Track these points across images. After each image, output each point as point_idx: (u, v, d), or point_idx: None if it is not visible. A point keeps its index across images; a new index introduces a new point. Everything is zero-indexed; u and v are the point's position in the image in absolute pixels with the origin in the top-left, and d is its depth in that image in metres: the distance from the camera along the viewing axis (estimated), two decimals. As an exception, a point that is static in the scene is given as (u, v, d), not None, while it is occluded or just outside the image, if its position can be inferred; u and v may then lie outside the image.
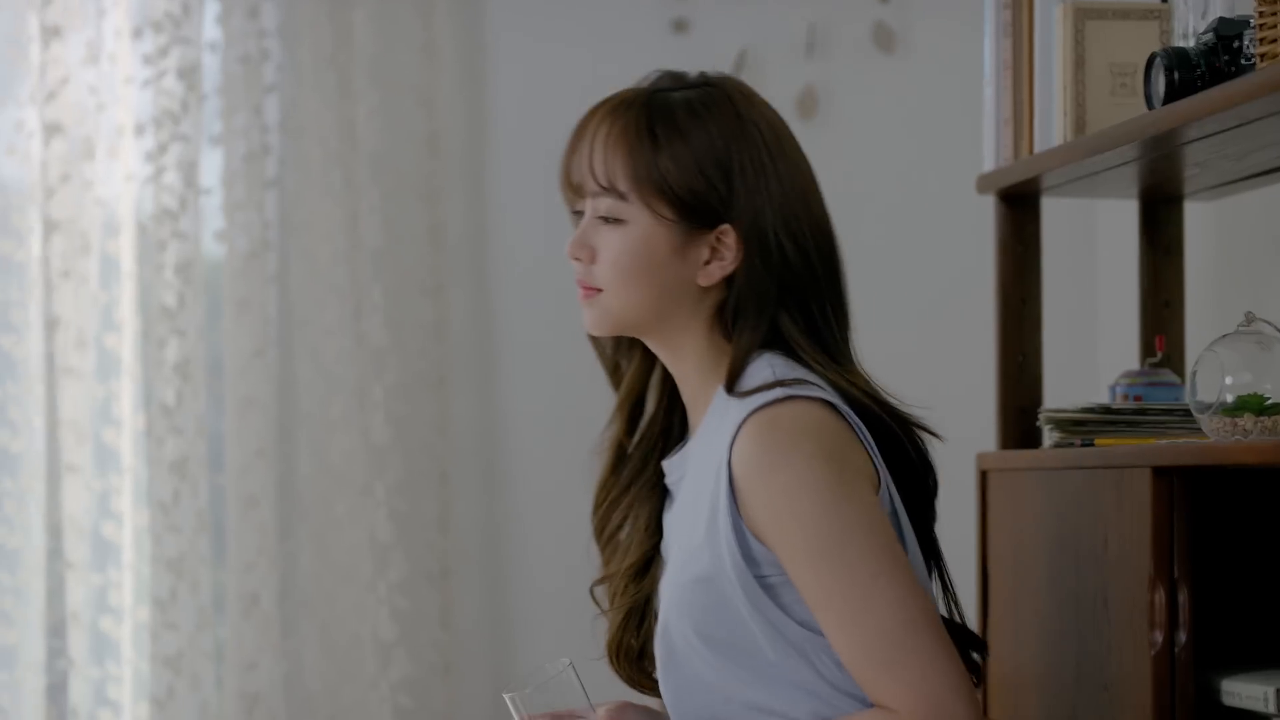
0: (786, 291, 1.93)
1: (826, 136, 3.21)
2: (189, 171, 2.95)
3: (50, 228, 2.93)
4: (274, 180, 3.01)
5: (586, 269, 1.96)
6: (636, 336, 2.00)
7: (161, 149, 2.95)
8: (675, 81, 1.99)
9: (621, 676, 2.07)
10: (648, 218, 1.93)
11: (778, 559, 1.86)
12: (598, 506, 2.09)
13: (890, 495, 1.91)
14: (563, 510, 2.95)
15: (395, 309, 2.99)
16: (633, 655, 2.07)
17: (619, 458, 2.06)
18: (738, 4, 3.23)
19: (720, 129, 1.94)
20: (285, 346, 2.99)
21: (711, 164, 1.93)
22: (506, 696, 1.87)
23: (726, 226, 1.92)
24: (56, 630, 2.95)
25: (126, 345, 2.95)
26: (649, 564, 2.06)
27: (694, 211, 1.93)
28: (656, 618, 2.01)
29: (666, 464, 2.04)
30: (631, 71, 3.16)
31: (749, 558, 1.86)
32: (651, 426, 2.07)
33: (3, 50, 2.97)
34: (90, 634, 2.91)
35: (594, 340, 2.06)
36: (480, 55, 3.22)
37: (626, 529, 2.07)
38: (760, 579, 1.87)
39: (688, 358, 1.98)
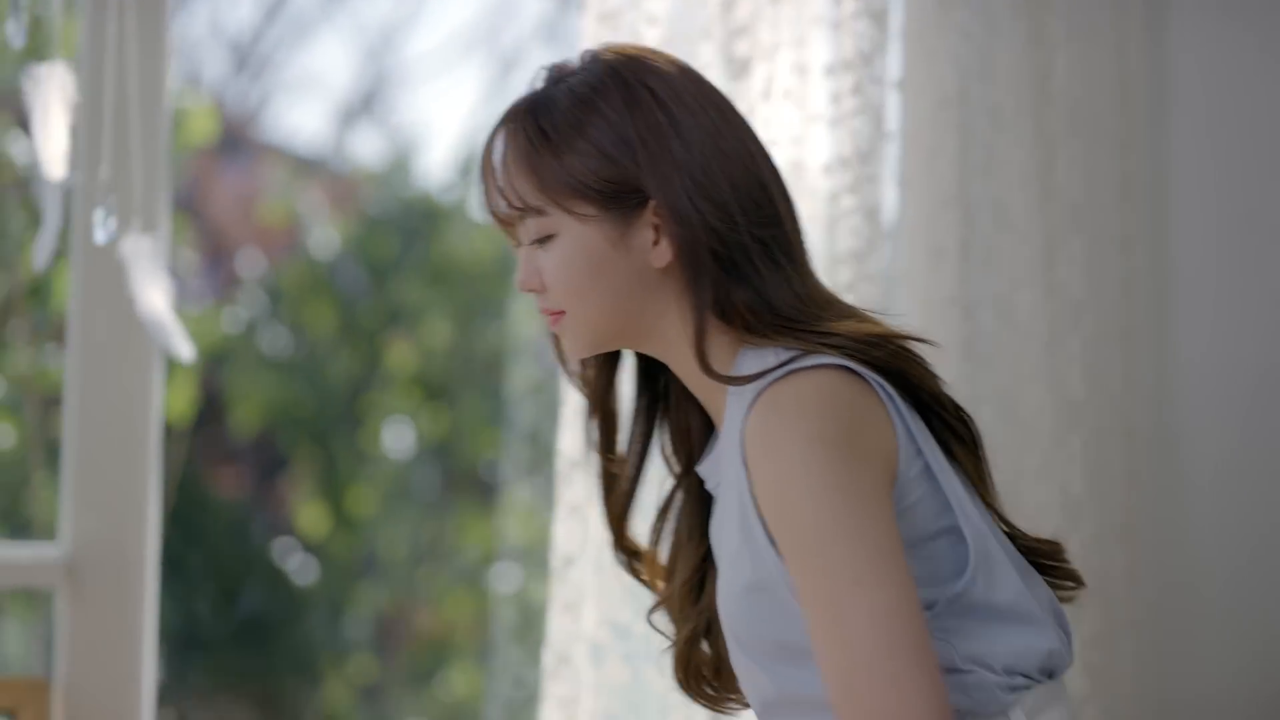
0: (719, 253, 1.83)
1: None
2: (876, 115, 2.88)
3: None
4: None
5: (544, 297, 1.88)
6: (625, 347, 1.91)
7: (856, 88, 2.88)
8: (556, 75, 1.89)
9: (702, 703, 2.01)
10: (572, 223, 1.85)
11: None
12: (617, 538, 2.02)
13: (918, 447, 1.80)
14: (1240, 474, 2.90)
15: (1091, 261, 2.93)
16: (708, 678, 2.00)
17: (609, 481, 2.00)
18: None
19: (611, 105, 1.85)
20: (976, 295, 2.93)
21: (613, 143, 1.84)
22: None
23: (652, 201, 1.83)
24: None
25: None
26: (704, 580, 1.99)
27: (614, 198, 1.84)
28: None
29: (701, 469, 1.95)
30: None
31: None
32: (682, 434, 1.99)
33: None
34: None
35: (566, 371, 1.99)
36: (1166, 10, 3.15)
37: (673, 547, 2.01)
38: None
39: (677, 347, 1.89)
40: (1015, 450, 2.88)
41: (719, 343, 1.88)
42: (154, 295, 2.80)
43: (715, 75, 2.84)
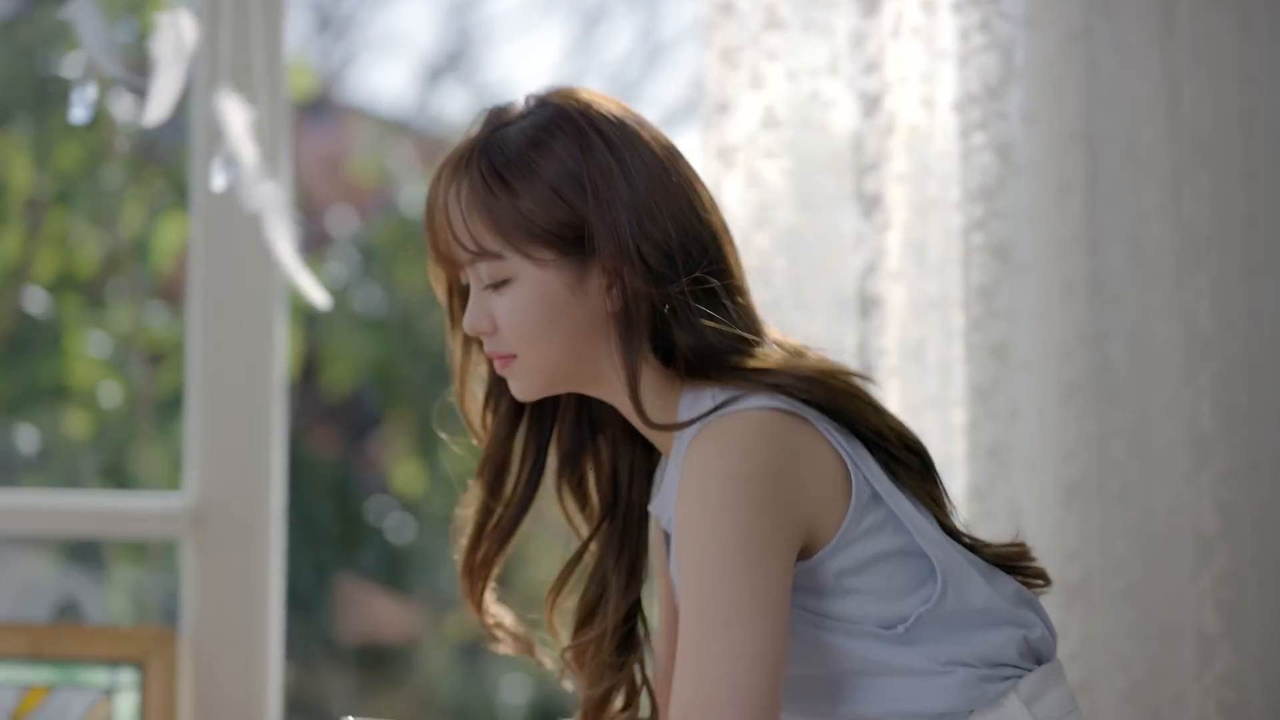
0: (660, 298, 1.85)
1: None
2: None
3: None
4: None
5: (494, 340, 1.88)
6: (573, 390, 1.92)
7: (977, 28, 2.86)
8: (504, 117, 1.89)
9: None
10: (531, 267, 1.85)
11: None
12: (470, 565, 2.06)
13: (864, 475, 1.84)
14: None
15: (1218, 196, 2.90)
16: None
17: (483, 526, 2.03)
18: None
19: (565, 147, 1.85)
20: (1104, 231, 2.90)
21: (570, 186, 1.84)
22: None
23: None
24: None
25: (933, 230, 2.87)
26: (633, 630, 2.02)
27: (572, 242, 1.84)
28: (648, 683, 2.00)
29: (652, 508, 1.99)
30: None
31: None
32: (608, 477, 2.03)
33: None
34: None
35: (465, 421, 2.02)
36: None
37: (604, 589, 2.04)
38: None
39: (624, 391, 1.89)
40: (1144, 387, 2.86)
41: (659, 387, 1.90)
42: (281, 241, 2.81)
43: (846, 12, 2.83)
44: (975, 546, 1.95)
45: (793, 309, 2.85)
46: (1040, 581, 2.00)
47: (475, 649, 6.92)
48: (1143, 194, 2.87)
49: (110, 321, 6.08)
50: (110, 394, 6.02)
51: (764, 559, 1.75)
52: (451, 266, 1.90)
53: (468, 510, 2.06)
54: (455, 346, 2.00)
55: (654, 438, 1.95)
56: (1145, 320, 2.86)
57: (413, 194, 7.18)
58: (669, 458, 1.95)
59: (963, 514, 2.76)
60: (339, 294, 7.06)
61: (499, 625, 2.09)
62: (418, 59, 7.51)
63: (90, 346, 6.02)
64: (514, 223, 1.84)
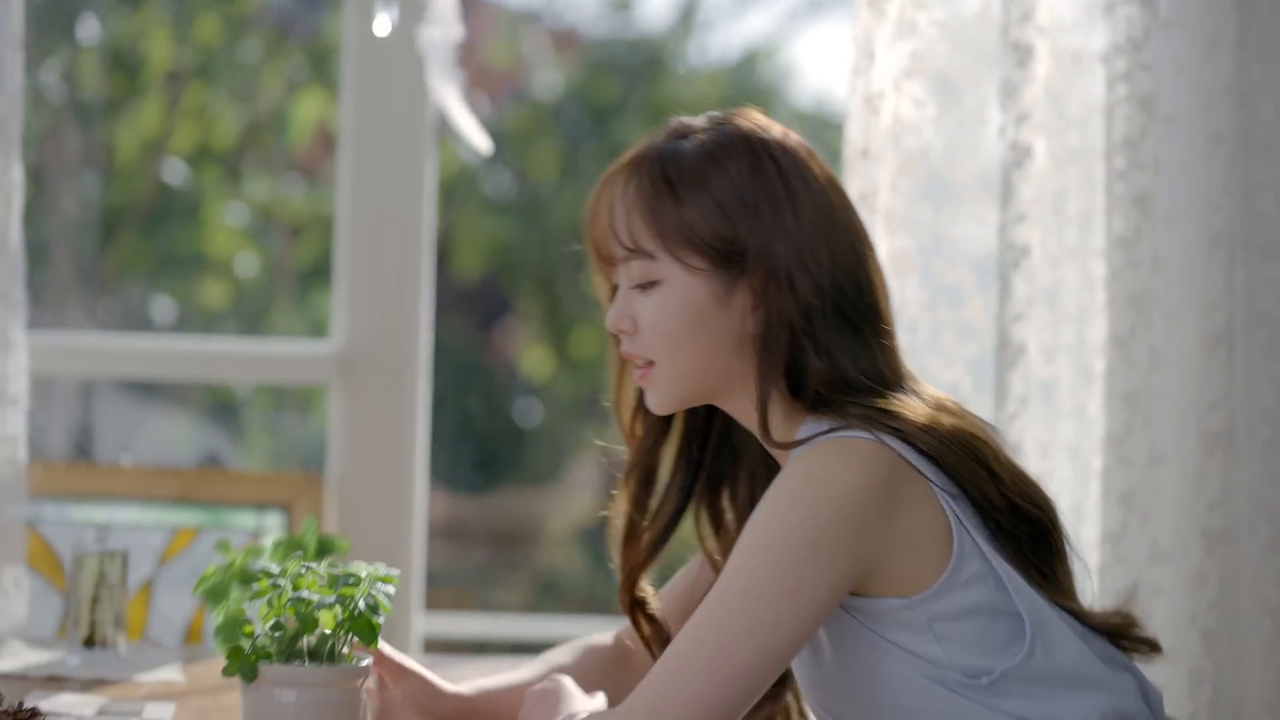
0: (803, 328, 1.85)
1: None
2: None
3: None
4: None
5: (633, 340, 1.88)
6: (708, 403, 1.92)
7: None
8: (685, 129, 1.89)
9: None
10: (681, 273, 1.85)
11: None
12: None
13: (965, 528, 1.84)
14: None
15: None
16: None
17: (632, 533, 1.99)
18: None
19: (736, 166, 1.85)
20: (1254, 84, 2.88)
21: (735, 204, 1.84)
22: None
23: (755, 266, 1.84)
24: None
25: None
26: None
27: (727, 257, 1.85)
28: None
29: None
30: None
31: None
32: (749, 499, 2.00)
33: None
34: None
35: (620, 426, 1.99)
36: None
37: None
38: (853, 610, 1.84)
39: (752, 409, 1.90)
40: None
41: (784, 414, 1.90)
42: (446, 88, 2.83)
43: None
44: (1081, 614, 1.94)
45: (941, 156, 2.85)
46: (1147, 648, 1.98)
47: (596, 531, 6.99)
48: (1297, 47, 2.86)
49: (248, 193, 6.16)
50: (248, 264, 6.11)
51: (811, 562, 1.77)
52: (606, 265, 1.92)
53: (615, 518, 2.04)
54: (614, 350, 2.02)
55: (780, 458, 1.96)
56: (1296, 173, 2.85)
57: (545, 79, 7.20)
58: None
59: (1102, 363, 2.80)
60: (470, 179, 7.10)
61: (644, 608, 2.10)
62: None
63: (228, 216, 6.10)
64: (674, 227, 1.85)
